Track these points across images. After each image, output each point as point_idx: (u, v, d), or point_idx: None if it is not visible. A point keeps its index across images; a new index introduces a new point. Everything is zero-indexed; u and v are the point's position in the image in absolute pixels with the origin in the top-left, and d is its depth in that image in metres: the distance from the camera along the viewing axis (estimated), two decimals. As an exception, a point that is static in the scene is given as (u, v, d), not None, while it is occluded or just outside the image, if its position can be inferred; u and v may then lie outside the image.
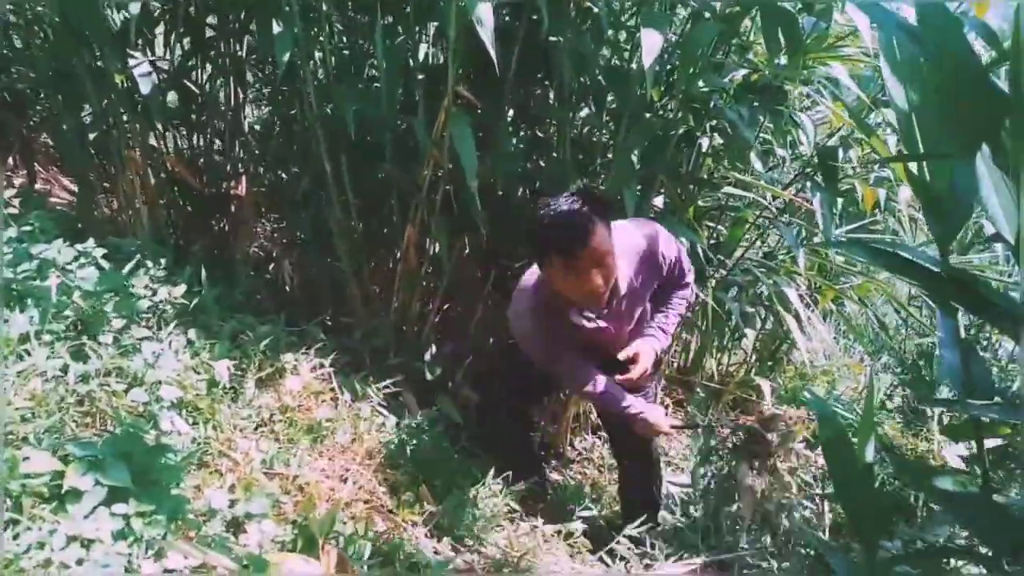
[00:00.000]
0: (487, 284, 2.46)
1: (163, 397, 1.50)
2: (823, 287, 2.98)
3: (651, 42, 1.76)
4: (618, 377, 1.86)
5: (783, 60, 2.12)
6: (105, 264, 1.79)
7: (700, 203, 2.68)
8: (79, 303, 1.60)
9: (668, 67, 2.24)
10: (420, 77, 2.17)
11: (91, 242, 1.85)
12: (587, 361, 1.85)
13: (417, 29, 2.24)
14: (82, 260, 1.81)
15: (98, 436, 1.39)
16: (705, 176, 2.49)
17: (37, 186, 3.34)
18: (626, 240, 1.73)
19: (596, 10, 2.09)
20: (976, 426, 1.02)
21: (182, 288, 1.80)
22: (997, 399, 1.02)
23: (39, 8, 2.24)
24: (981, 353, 2.09)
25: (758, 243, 2.91)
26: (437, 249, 2.28)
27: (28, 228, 1.86)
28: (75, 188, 3.85)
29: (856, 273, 3.04)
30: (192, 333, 1.77)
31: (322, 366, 1.97)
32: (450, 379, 2.42)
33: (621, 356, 1.86)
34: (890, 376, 3.58)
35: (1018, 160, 0.84)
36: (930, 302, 3.24)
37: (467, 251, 2.49)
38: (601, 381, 1.84)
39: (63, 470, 1.18)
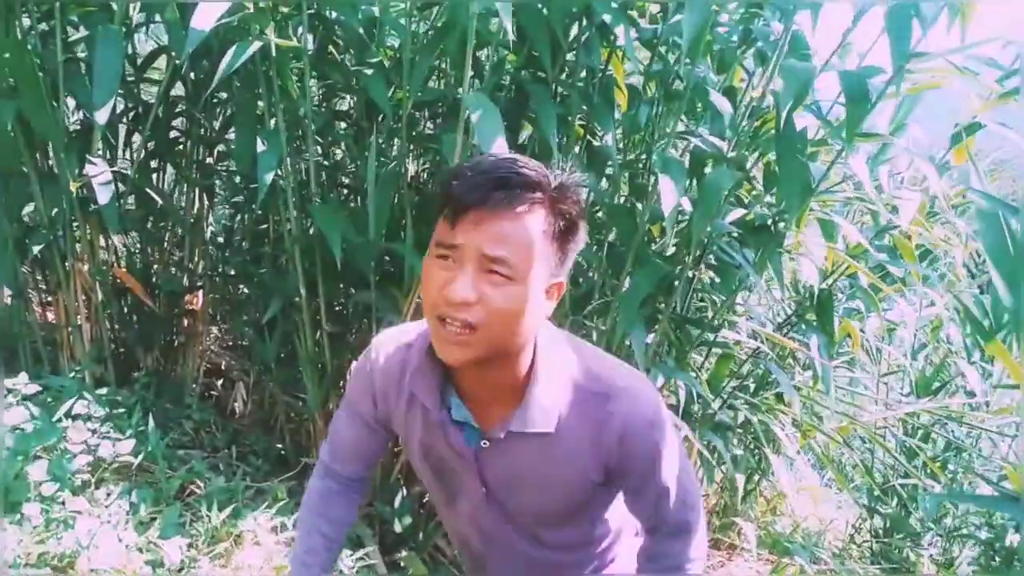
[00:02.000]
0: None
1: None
2: (805, 426, 2.88)
3: (668, 190, 1.68)
4: None
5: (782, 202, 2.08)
6: (35, 409, 1.53)
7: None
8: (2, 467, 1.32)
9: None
10: (414, 199, 2.04)
11: (23, 377, 1.59)
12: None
13: (411, 147, 2.12)
14: (10, 399, 1.54)
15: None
16: (699, 315, 2.40)
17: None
18: (581, 371, 0.96)
19: (602, 145, 2.02)
20: None
21: (128, 444, 1.54)
22: None
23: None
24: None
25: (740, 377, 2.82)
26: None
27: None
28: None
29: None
30: (135, 495, 1.50)
31: (284, 527, 1.71)
32: (421, 529, 2.17)
33: None
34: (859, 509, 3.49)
35: None
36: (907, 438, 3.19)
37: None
38: (302, 544, 1.11)
39: None
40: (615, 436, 0.94)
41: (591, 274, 2.24)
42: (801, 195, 1.86)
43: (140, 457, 1.57)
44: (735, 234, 2.13)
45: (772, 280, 2.46)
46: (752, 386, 2.73)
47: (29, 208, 2.09)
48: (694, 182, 2.07)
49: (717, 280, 2.36)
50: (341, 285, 2.17)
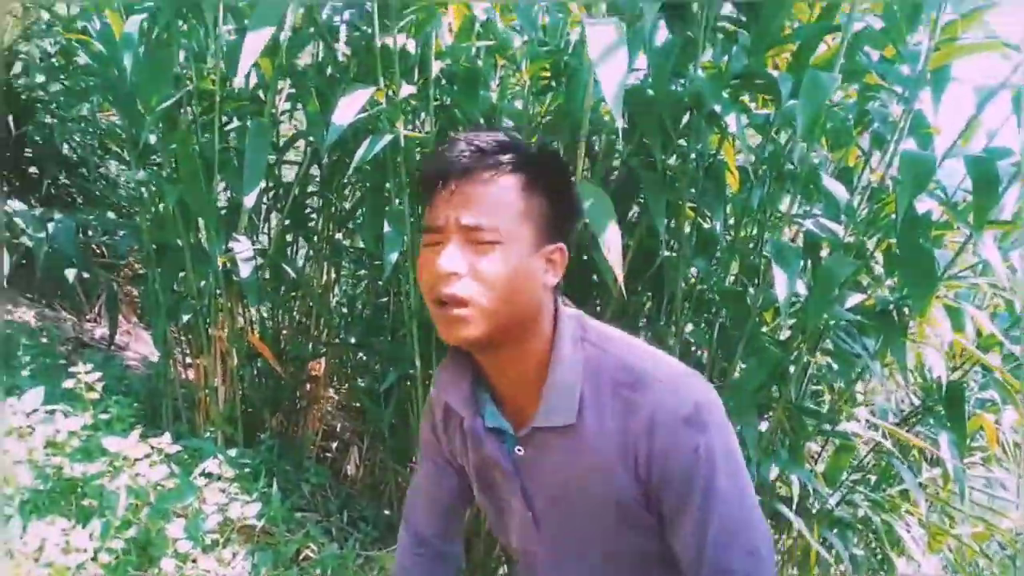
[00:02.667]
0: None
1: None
2: (934, 529, 2.66)
3: (782, 279, 1.65)
4: None
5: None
6: (176, 467, 1.67)
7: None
8: (144, 522, 1.45)
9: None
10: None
11: (166, 438, 1.74)
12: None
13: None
14: (154, 458, 1.69)
15: None
16: (815, 404, 2.30)
17: (117, 338, 3.35)
18: (610, 360, 0.88)
19: (711, 228, 2.03)
20: None
21: (254, 508, 1.65)
22: None
23: (146, 188, 2.30)
24: None
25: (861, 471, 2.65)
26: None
27: (105, 416, 1.77)
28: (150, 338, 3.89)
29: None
30: (257, 557, 1.59)
31: (391, 597, 1.75)
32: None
33: None
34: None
35: None
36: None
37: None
38: None
39: None
40: (643, 430, 0.82)
41: (699, 354, 2.22)
42: (926, 284, 1.78)
43: (263, 520, 1.67)
44: (854, 321, 2.06)
45: (895, 369, 2.34)
46: (874, 481, 2.57)
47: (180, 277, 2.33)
48: (808, 263, 2.03)
49: (835, 367, 2.27)
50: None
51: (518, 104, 2.29)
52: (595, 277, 2.08)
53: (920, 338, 2.22)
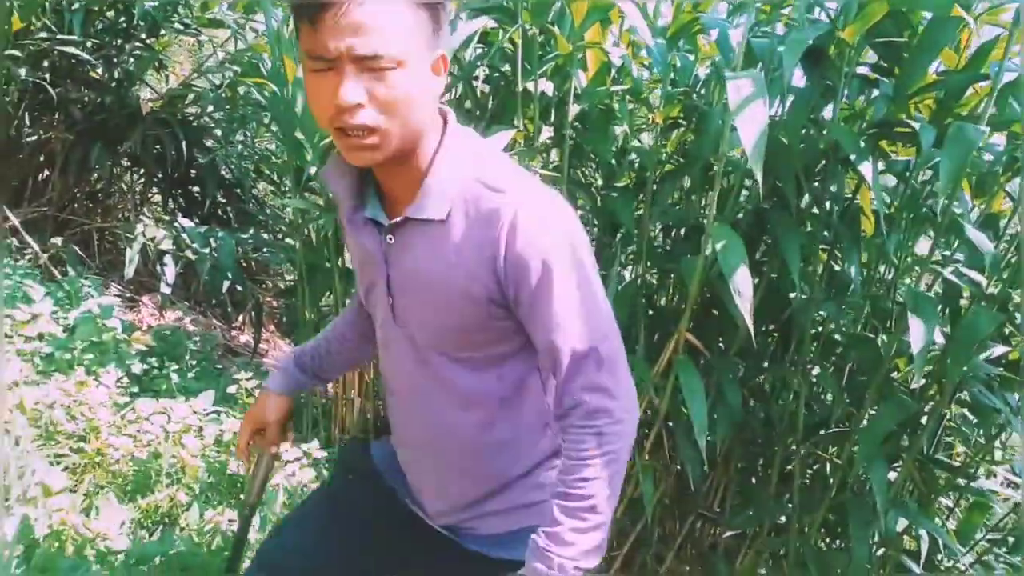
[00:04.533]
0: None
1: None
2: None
3: (919, 331, 1.63)
4: None
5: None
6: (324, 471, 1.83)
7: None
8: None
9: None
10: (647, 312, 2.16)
11: (315, 443, 1.91)
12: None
13: (648, 265, 2.25)
14: (304, 461, 1.87)
15: None
16: (949, 457, 2.21)
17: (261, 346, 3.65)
18: (485, 169, 0.93)
19: (843, 271, 2.01)
20: None
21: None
22: None
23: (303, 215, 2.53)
24: None
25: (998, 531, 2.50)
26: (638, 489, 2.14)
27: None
28: (288, 348, 4.21)
29: None
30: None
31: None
32: None
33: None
34: None
35: None
36: None
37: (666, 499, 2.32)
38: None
39: None
40: (504, 229, 0.88)
41: (825, 398, 2.19)
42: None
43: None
44: (995, 375, 1.98)
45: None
46: (1012, 543, 2.42)
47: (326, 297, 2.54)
48: (946, 311, 1.97)
49: (972, 419, 2.18)
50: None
51: (646, 139, 2.36)
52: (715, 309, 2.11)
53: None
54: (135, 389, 2.24)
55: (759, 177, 1.44)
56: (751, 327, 1.60)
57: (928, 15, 1.74)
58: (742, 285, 1.61)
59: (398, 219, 0.93)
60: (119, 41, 3.47)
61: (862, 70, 1.94)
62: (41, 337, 2.10)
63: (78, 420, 1.83)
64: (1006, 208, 2.13)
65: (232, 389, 2.04)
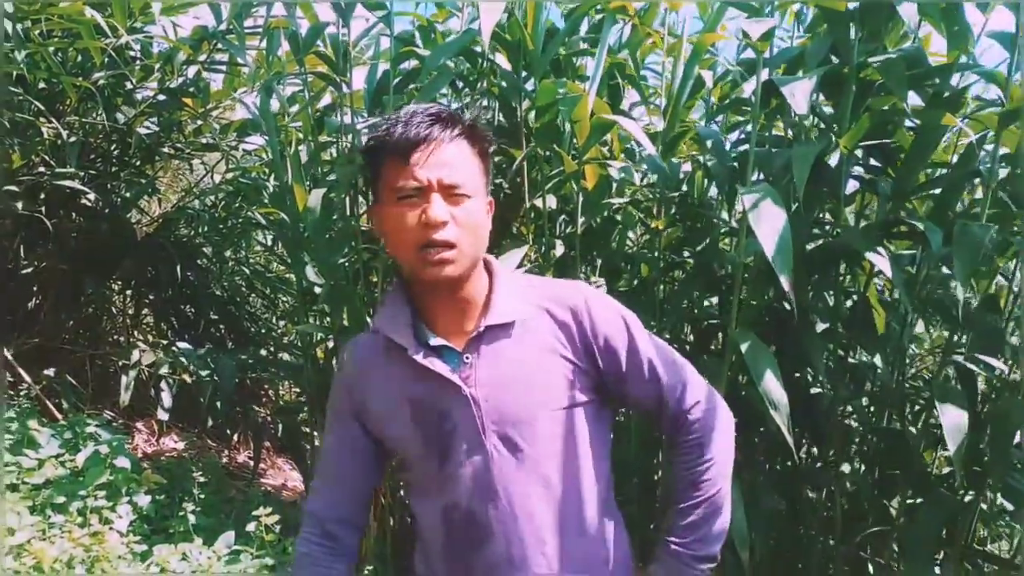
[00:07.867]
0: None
1: None
2: None
3: (952, 422, 1.63)
4: None
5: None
6: None
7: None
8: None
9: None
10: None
11: None
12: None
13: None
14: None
15: None
16: (992, 548, 2.18)
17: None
18: (526, 285, 1.08)
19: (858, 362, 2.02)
20: None
21: None
22: None
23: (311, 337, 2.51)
24: None
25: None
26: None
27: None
28: (289, 466, 4.08)
29: None
30: None
31: None
32: None
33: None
34: None
35: None
36: None
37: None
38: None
39: None
40: (576, 306, 1.03)
41: (852, 489, 2.16)
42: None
43: None
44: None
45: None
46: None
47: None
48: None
49: (1007, 506, 2.15)
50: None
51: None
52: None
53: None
54: (146, 527, 2.14)
55: (787, 285, 1.46)
56: (790, 440, 1.58)
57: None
58: (774, 393, 1.60)
59: (479, 329, 1.01)
60: (114, 169, 3.50)
61: (857, 170, 2.03)
62: (48, 483, 2.02)
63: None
64: (1001, 289, 2.19)
65: (251, 527, 1.95)
